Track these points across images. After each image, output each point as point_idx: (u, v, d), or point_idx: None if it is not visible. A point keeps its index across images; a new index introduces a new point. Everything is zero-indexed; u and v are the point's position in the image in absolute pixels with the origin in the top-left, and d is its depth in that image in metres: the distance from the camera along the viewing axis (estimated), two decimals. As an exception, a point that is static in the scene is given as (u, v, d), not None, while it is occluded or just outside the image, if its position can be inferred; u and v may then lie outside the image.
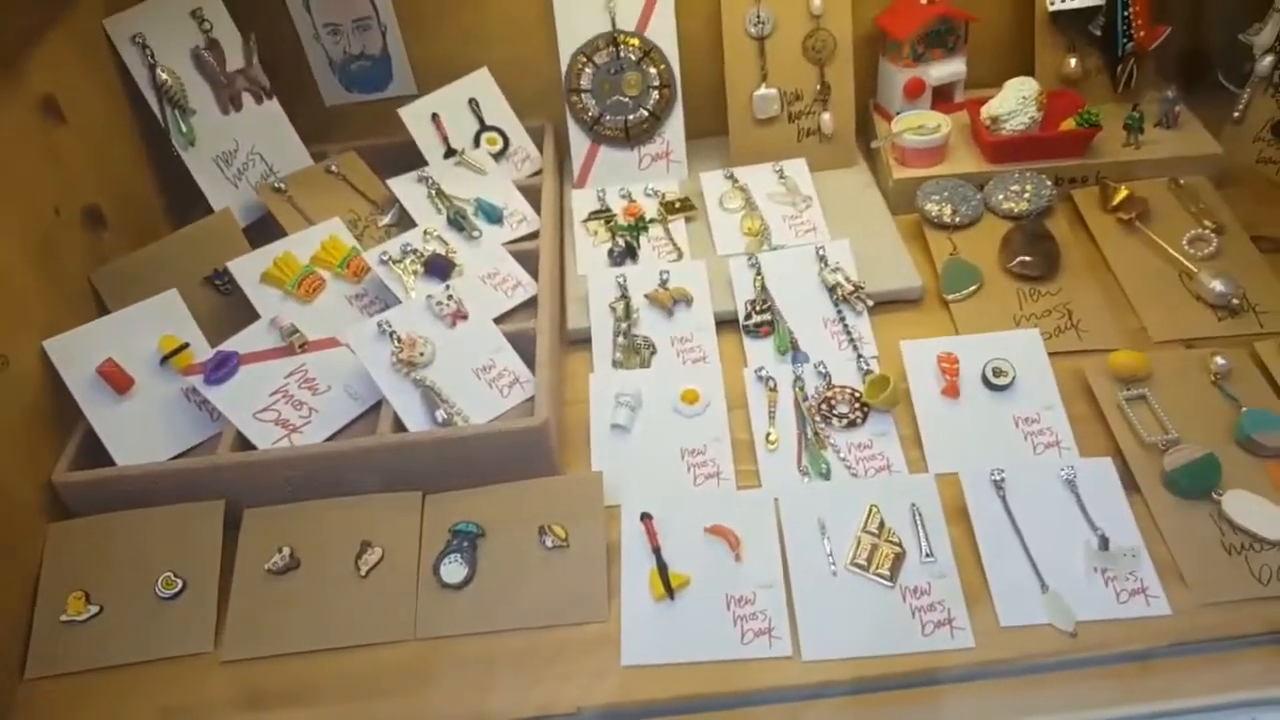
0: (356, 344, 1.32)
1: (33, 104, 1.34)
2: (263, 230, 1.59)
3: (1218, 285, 1.46)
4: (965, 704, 1.05)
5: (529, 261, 1.57)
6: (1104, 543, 1.14)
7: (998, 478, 1.21)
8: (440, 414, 1.28)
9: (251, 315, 1.42)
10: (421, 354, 1.32)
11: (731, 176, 1.73)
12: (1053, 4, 1.77)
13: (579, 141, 1.78)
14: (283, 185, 1.63)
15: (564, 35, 1.74)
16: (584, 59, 1.74)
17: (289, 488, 1.22)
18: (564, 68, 1.74)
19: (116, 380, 1.30)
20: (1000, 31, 1.85)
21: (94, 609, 1.17)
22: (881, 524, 1.17)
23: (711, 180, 1.74)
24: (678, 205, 1.70)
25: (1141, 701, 1.04)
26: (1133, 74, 1.80)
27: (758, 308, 1.49)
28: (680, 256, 1.62)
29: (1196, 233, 1.57)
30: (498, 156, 1.76)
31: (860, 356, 1.41)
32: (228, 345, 1.34)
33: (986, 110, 1.70)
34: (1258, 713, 1.02)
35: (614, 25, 1.73)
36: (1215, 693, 1.04)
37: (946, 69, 1.79)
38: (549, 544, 1.18)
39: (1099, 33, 1.78)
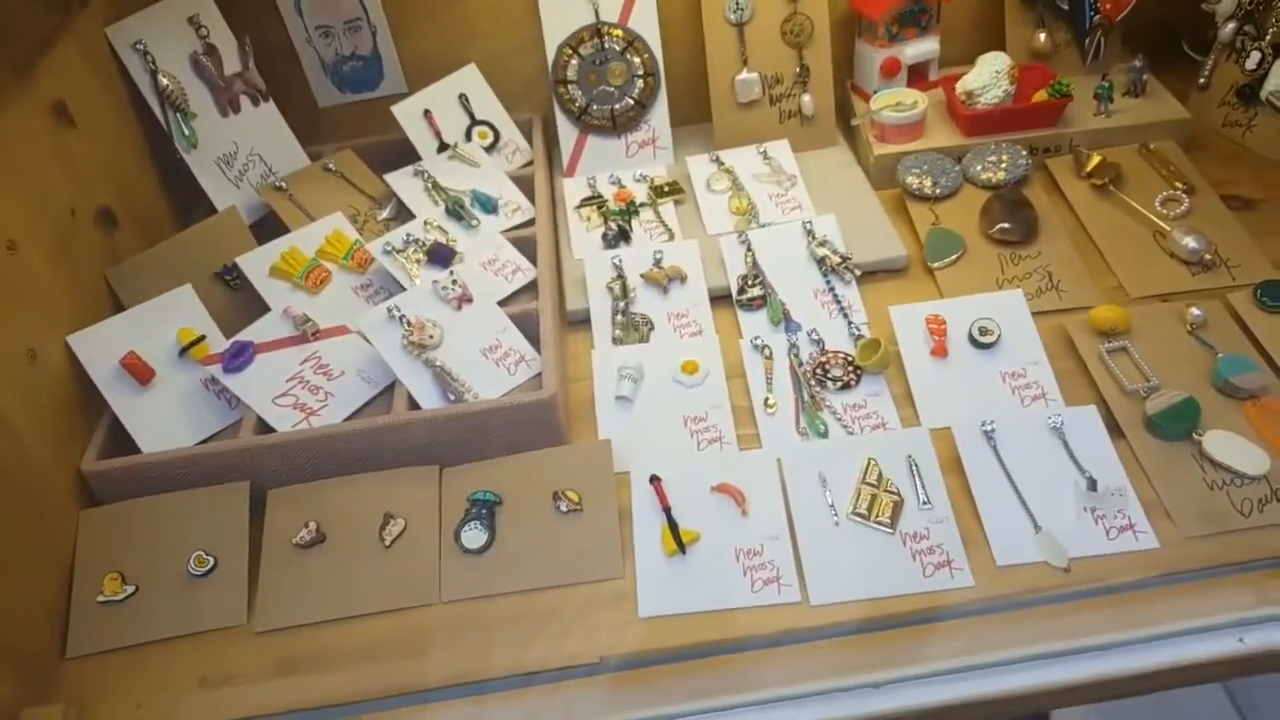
0: (369, 329, 1.37)
1: (45, 108, 1.39)
2: (265, 229, 1.63)
3: (1190, 242, 1.52)
4: (967, 638, 1.10)
5: (526, 248, 1.62)
6: (1092, 484, 1.20)
7: (988, 428, 1.27)
8: (452, 393, 1.33)
9: (261, 308, 1.46)
10: (431, 336, 1.37)
11: (717, 159, 1.79)
12: (1022, -20, 1.84)
13: (567, 132, 1.84)
14: (283, 184, 1.68)
15: (549, 28, 1.79)
16: (569, 51, 1.79)
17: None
18: (550, 60, 1.79)
19: (138, 372, 1.34)
20: (971, 10, 1.91)
21: (130, 589, 1.21)
22: (880, 475, 1.23)
23: (697, 164, 1.80)
24: (666, 189, 1.75)
25: (1135, 628, 1.09)
26: (1100, 46, 1.87)
27: (750, 282, 1.55)
28: (672, 237, 1.67)
29: (1168, 194, 1.64)
30: (489, 149, 1.81)
31: (851, 323, 1.47)
32: (243, 336, 1.38)
33: (961, 85, 1.77)
34: (1244, 632, 1.08)
35: (598, 17, 1.78)
36: (1203, 617, 1.09)
37: (921, 47, 1.85)
38: (563, 508, 1.23)
39: (1066, 6, 1.85)
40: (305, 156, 1.77)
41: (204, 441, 1.37)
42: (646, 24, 1.79)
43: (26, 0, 1.37)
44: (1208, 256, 1.52)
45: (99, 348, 1.34)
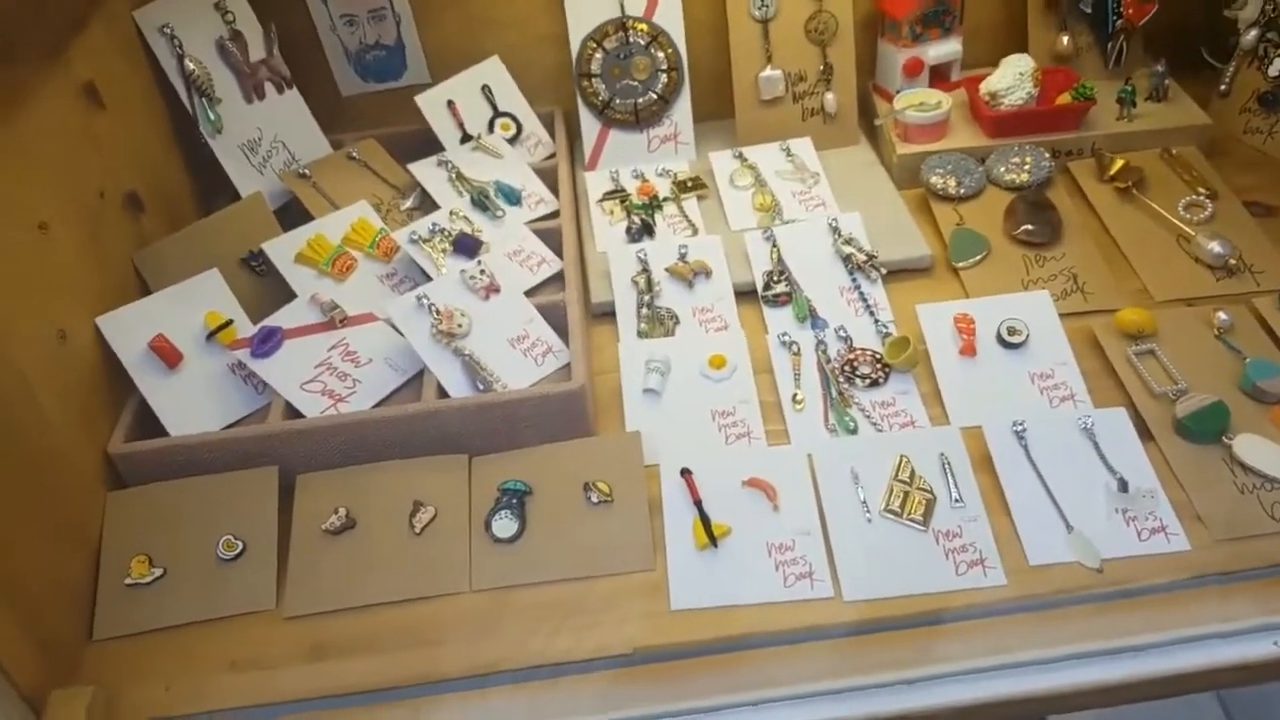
0: (398, 317, 1.36)
1: (77, 90, 1.38)
2: (287, 216, 1.63)
3: (1215, 247, 1.52)
4: (1000, 636, 1.10)
5: (549, 240, 1.62)
6: (1123, 485, 1.20)
7: (1019, 429, 1.27)
8: (481, 382, 1.33)
9: (285, 295, 1.46)
10: (459, 325, 1.37)
11: (740, 155, 1.79)
12: (1046, -17, 1.84)
13: (589, 125, 1.83)
14: (307, 172, 1.67)
15: (574, 21, 1.79)
16: (594, 44, 1.79)
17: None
18: (574, 53, 1.79)
19: (167, 355, 1.33)
20: (993, 11, 1.92)
21: (158, 571, 1.20)
22: (912, 473, 1.23)
23: (720, 159, 1.79)
24: (689, 184, 1.75)
25: (1168, 629, 1.09)
26: (1123, 50, 1.87)
27: (775, 278, 1.54)
28: (695, 232, 1.67)
29: (1191, 199, 1.64)
30: (511, 141, 1.80)
31: (877, 321, 1.47)
32: (270, 321, 1.37)
33: (985, 86, 1.77)
34: (1278, 636, 1.09)
35: (623, 11, 1.78)
36: (1235, 620, 1.10)
37: (944, 48, 1.85)
38: (594, 500, 1.23)
39: (1090, 10, 1.85)
40: (328, 144, 1.76)
41: (232, 426, 1.36)
42: (671, 19, 1.79)
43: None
44: (1232, 261, 1.52)
45: (128, 330, 1.33)
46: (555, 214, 1.68)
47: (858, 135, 1.87)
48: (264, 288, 1.50)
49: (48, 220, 1.25)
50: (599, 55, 1.80)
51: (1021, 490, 1.22)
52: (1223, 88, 1.83)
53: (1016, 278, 1.55)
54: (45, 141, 1.29)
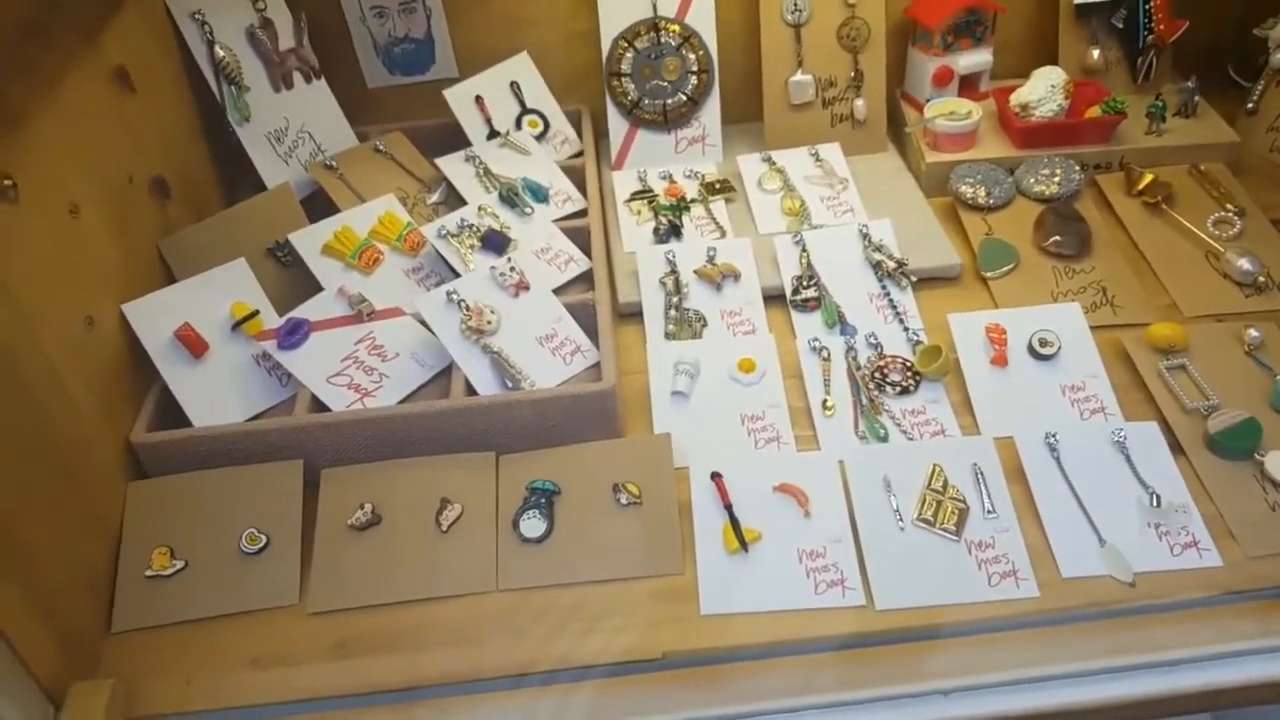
0: (427, 312, 1.35)
1: (109, 74, 1.37)
2: (311, 208, 1.61)
3: (1245, 264, 1.52)
4: (1033, 648, 1.09)
5: (577, 239, 1.61)
6: (1156, 499, 1.19)
7: (1051, 440, 1.26)
8: (510, 380, 1.32)
9: (311, 286, 1.45)
10: (489, 322, 1.36)
11: (769, 159, 1.78)
12: (1079, -3, 1.84)
13: (617, 124, 1.82)
14: (333, 163, 1.66)
15: (606, 19, 1.78)
16: (625, 44, 1.78)
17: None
18: (605, 52, 1.78)
19: (193, 344, 1.32)
20: (1025, 24, 1.91)
21: (179, 564, 1.19)
22: (945, 482, 1.22)
23: (748, 163, 1.78)
24: (718, 186, 1.74)
25: (1200, 645, 1.08)
26: (1152, 65, 1.87)
27: (805, 283, 1.53)
28: (723, 235, 1.66)
29: (1220, 215, 1.63)
30: (538, 139, 1.79)
31: (908, 329, 1.46)
32: (297, 313, 1.36)
33: (1016, 97, 1.76)
34: (1313, 653, 1.08)
35: (655, 11, 1.77)
36: (1270, 636, 1.09)
37: (974, 58, 1.84)
38: (623, 501, 1.22)
39: (1121, 25, 1.85)
40: (354, 136, 1.75)
41: (255, 418, 1.34)
42: (704, 21, 1.78)
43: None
44: (1261, 279, 1.52)
45: (153, 317, 1.32)
46: (582, 213, 1.67)
47: (886, 142, 1.86)
48: (290, 279, 1.49)
49: (79, 204, 1.24)
50: (630, 54, 1.79)
51: (1054, 502, 1.21)
52: (1250, 105, 1.83)
53: (1046, 289, 1.54)
54: (78, 124, 1.28)
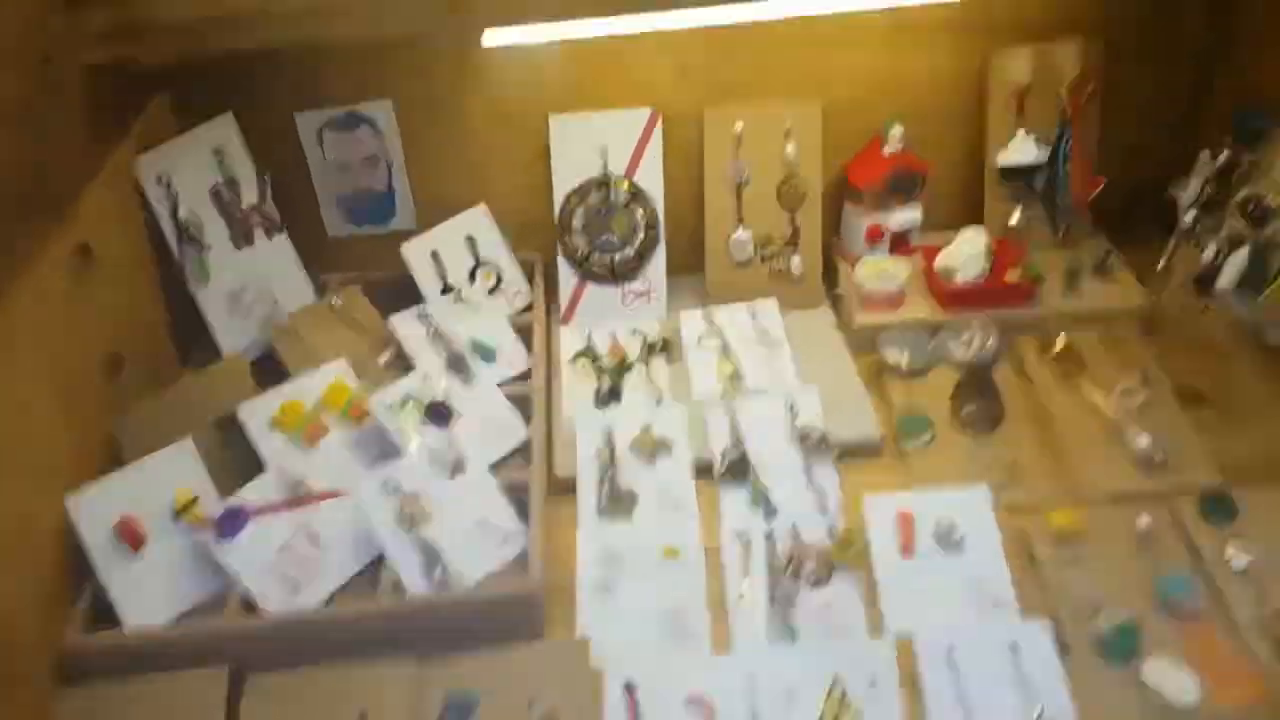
0: (363, 500, 1.42)
1: (72, 250, 1.41)
2: (267, 366, 1.68)
3: (1142, 441, 1.60)
4: None
5: (521, 404, 1.69)
6: (1041, 713, 1.27)
7: (950, 650, 1.33)
8: (438, 571, 1.39)
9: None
10: (424, 509, 1.43)
11: (709, 319, 1.86)
12: (1000, 161, 1.93)
13: (567, 278, 1.91)
14: (288, 324, 1.73)
15: (559, 176, 1.86)
16: (576, 199, 1.86)
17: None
18: (558, 208, 1.86)
19: (131, 537, 1.36)
20: (953, 181, 2.00)
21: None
22: (844, 694, 1.30)
23: (690, 320, 1.87)
24: (659, 346, 1.83)
25: None
26: (1069, 226, 1.96)
27: (729, 456, 1.61)
28: (660, 400, 1.74)
29: (1126, 387, 1.71)
30: (491, 291, 1.87)
31: (827, 512, 1.54)
32: (236, 499, 1.42)
33: (940, 261, 1.85)
34: None
35: (606, 168, 1.85)
36: None
37: (905, 216, 1.93)
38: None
39: (1039, 189, 1.94)
40: (312, 291, 1.82)
41: (191, 611, 1.39)
42: (651, 179, 1.87)
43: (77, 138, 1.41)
44: (1157, 459, 1.59)
45: (95, 509, 1.35)
46: (528, 374, 1.75)
47: (821, 298, 1.95)
48: (239, 449, 1.54)
49: (28, 399, 1.29)
50: (580, 210, 1.87)
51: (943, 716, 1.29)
52: (1160, 265, 1.89)
53: (958, 465, 1.62)
54: (34, 311, 1.32)
